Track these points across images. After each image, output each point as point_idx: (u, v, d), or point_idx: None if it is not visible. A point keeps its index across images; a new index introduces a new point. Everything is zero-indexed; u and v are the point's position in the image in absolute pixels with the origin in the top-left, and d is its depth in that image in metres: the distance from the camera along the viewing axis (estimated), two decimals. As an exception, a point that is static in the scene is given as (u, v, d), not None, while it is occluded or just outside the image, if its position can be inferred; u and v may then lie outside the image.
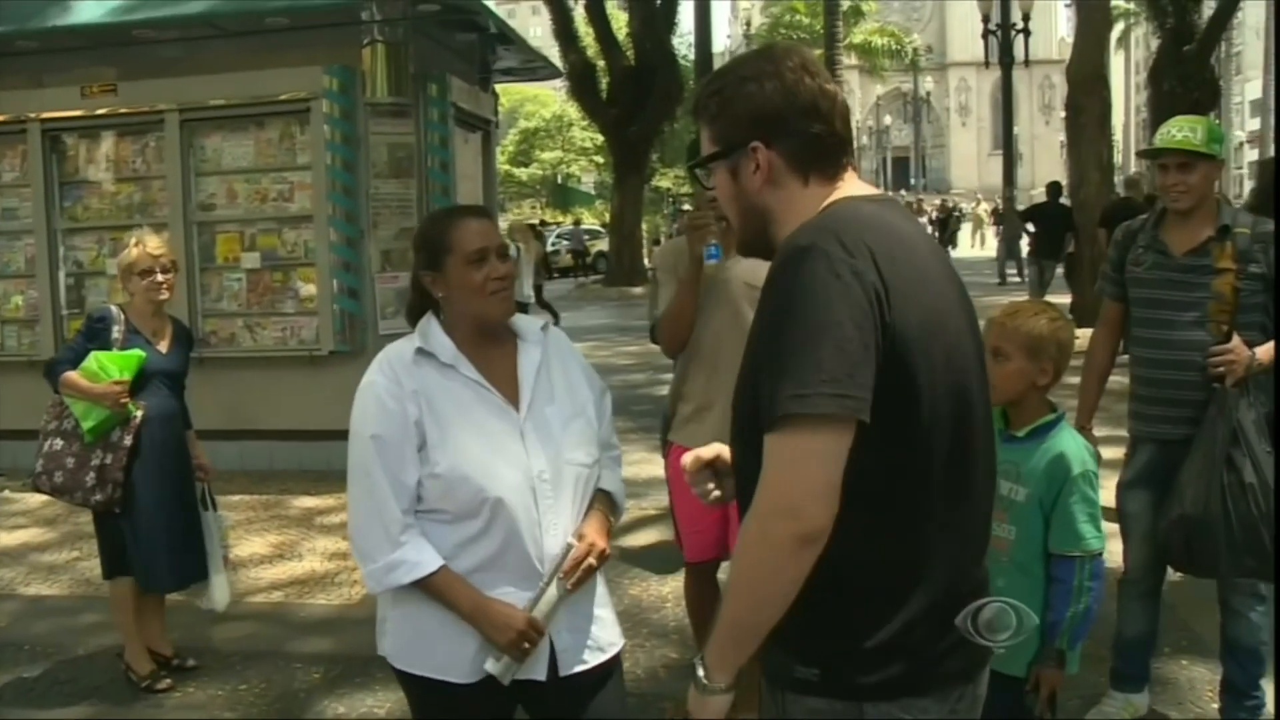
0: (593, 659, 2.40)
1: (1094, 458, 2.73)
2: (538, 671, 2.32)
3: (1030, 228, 15.93)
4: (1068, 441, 2.66)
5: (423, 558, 2.25)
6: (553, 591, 2.28)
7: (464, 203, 8.36)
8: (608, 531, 2.42)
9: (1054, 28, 70.47)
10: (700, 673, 1.62)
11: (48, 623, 5.08)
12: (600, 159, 44.49)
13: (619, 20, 25.91)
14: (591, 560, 2.32)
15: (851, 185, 1.71)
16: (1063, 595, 2.60)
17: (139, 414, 4.17)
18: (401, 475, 2.26)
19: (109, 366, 4.09)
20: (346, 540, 6.08)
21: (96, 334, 4.21)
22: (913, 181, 60.47)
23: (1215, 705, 3.71)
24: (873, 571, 1.59)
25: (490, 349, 2.38)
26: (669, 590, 5.13)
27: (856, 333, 1.49)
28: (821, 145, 1.68)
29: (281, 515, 6.80)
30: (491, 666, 2.27)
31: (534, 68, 11.23)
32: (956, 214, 25.59)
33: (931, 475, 1.60)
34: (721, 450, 1.90)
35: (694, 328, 3.55)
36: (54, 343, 8.06)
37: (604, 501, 2.46)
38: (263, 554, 6.01)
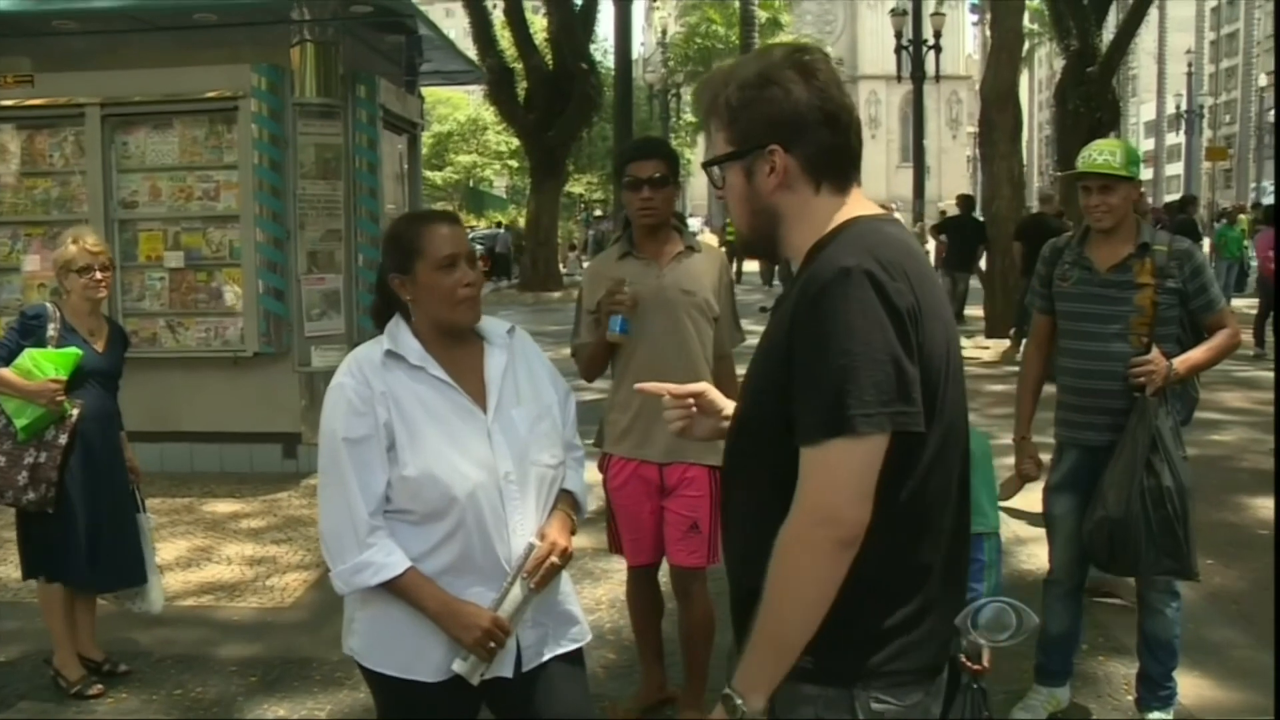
0: (556, 654, 2.46)
1: (988, 443, 2.90)
2: (504, 669, 2.37)
3: (943, 239, 16.36)
4: None
5: (390, 560, 2.28)
6: (517, 591, 2.33)
7: (389, 206, 8.34)
8: (571, 530, 2.47)
9: (961, 45, 72.28)
10: (737, 700, 1.63)
11: (-33, 628, 4.94)
12: (515, 163, 44.30)
13: (537, 25, 25.84)
14: (555, 559, 2.36)
15: (862, 202, 1.76)
16: (978, 572, 2.73)
17: (75, 413, 4.10)
18: (370, 477, 2.29)
19: (44, 364, 4.02)
20: (278, 544, 6.09)
21: (31, 330, 4.13)
22: (823, 192, 61.41)
23: (1131, 697, 3.91)
24: (879, 568, 1.64)
25: (457, 351, 2.42)
26: (603, 593, 5.20)
27: (905, 351, 1.58)
28: (837, 156, 1.73)
29: (205, 518, 6.69)
30: (459, 666, 2.31)
31: (460, 71, 11.21)
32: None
33: (937, 482, 1.68)
34: (708, 389, 2.03)
35: (630, 342, 3.62)
36: (-38, 340, 7.81)
37: (567, 501, 2.51)
38: (188, 557, 5.91)
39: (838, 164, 1.73)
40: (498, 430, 2.37)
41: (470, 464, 2.31)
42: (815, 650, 1.63)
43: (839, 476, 1.57)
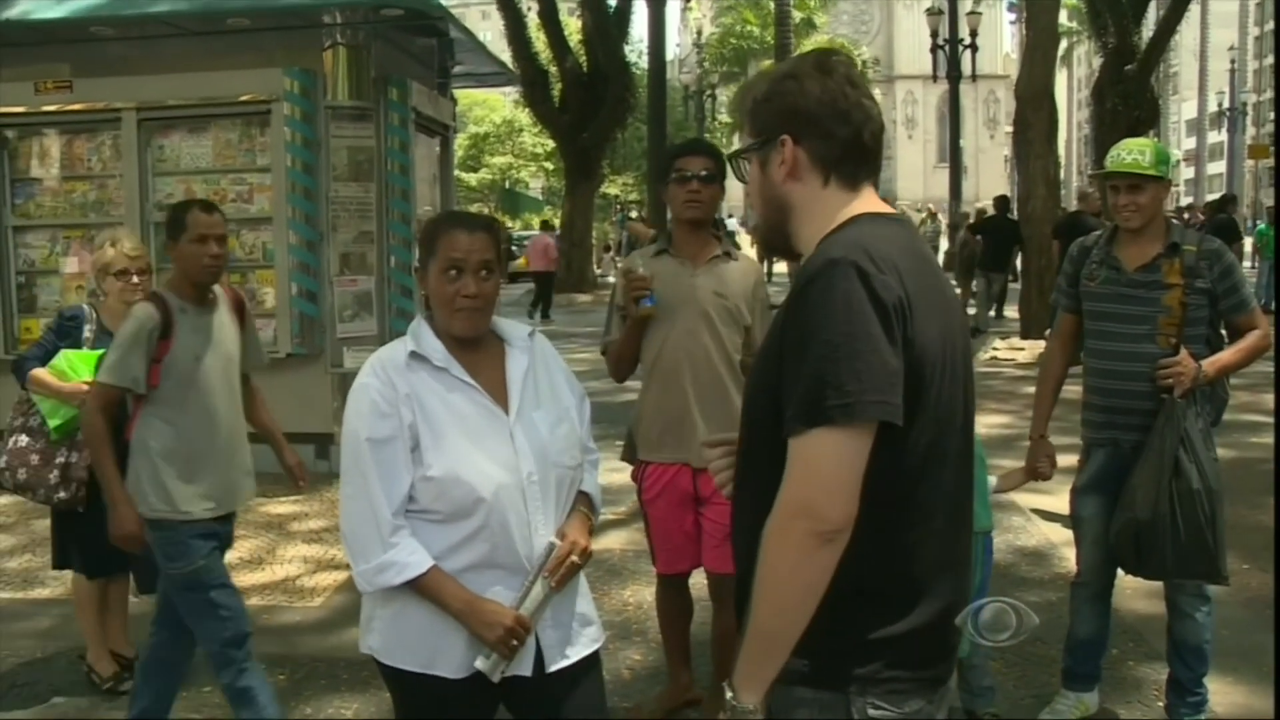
0: (575, 654, 2.47)
1: (980, 446, 2.88)
2: (524, 667, 2.38)
3: (979, 239, 16.24)
4: None
5: (414, 559, 2.30)
6: (538, 589, 2.35)
7: (423, 208, 8.39)
8: (589, 531, 2.49)
9: (999, 43, 71.70)
10: (729, 695, 1.66)
11: (4, 626, 5.01)
12: (550, 165, 44.43)
13: (571, 27, 25.92)
14: (575, 558, 2.39)
15: (871, 201, 1.79)
16: None
17: (106, 414, 4.15)
18: (394, 477, 2.31)
19: (79, 366, 4.08)
20: (309, 544, 6.14)
21: (67, 332, 4.20)
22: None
23: (1161, 703, 3.86)
24: (873, 571, 1.64)
25: (478, 353, 2.44)
26: (629, 594, 5.21)
27: (890, 344, 1.58)
28: (845, 151, 1.76)
29: (240, 518, 6.69)
30: (481, 664, 2.32)
31: (492, 74, 11.26)
32: (927, 228, 25.18)
33: (931, 482, 1.68)
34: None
35: (654, 342, 3.61)
36: (3, 341, 7.95)
37: (584, 503, 2.52)
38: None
39: (846, 159, 1.76)
40: (520, 432, 2.39)
41: (494, 465, 2.33)
42: (810, 653, 1.64)
43: (817, 468, 1.58)
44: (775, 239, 1.84)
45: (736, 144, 1.95)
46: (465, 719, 2.43)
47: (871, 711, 1.65)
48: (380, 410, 2.32)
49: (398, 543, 2.30)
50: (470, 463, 2.31)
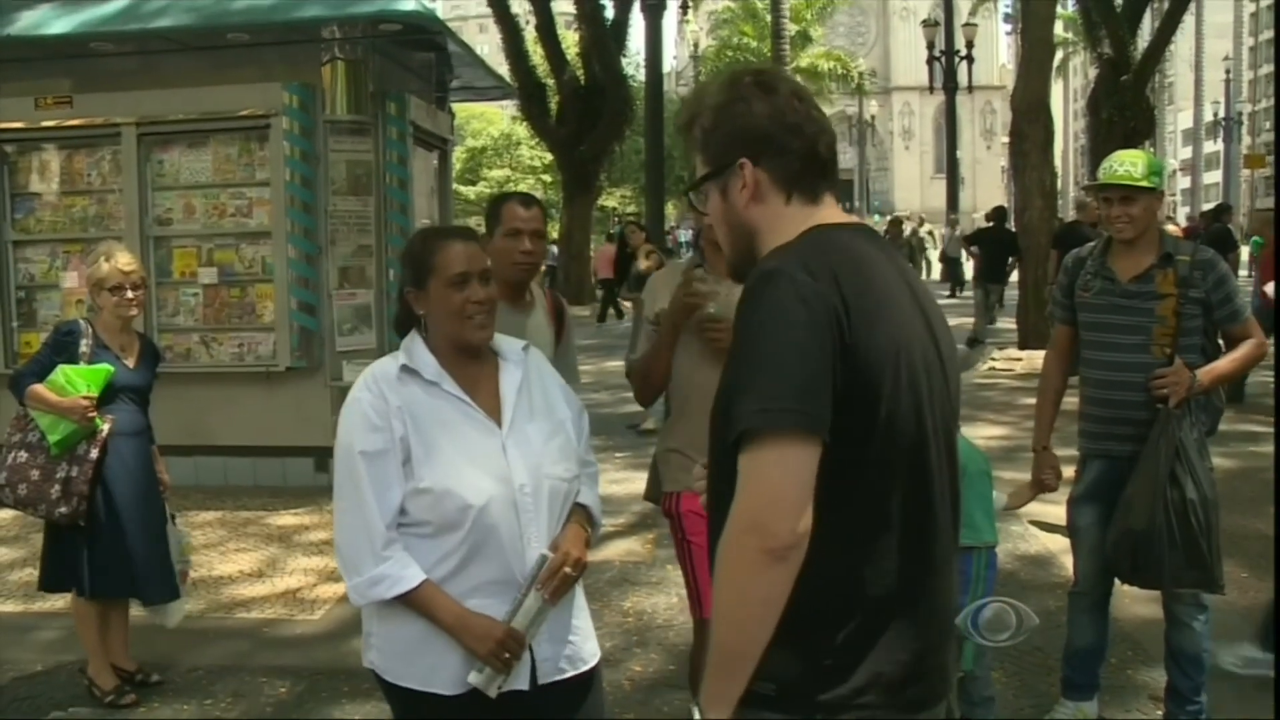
0: (571, 669, 2.47)
1: (987, 461, 2.86)
2: (520, 682, 2.39)
3: (975, 250, 16.27)
4: (962, 444, 2.82)
5: (406, 573, 2.31)
6: (530, 602, 2.35)
7: (421, 221, 8.42)
8: (585, 543, 2.49)
9: (995, 55, 71.85)
10: (696, 715, 1.67)
11: (5, 639, 5.03)
12: (548, 178, 44.46)
13: (569, 40, 25.98)
14: (568, 570, 2.38)
15: (830, 212, 1.77)
16: (962, 586, 2.73)
17: (106, 427, 4.18)
18: (387, 490, 2.32)
19: (76, 381, 4.09)
20: (310, 556, 6.15)
21: (64, 347, 4.21)
22: (856, 204, 61.34)
23: (1159, 712, 3.88)
24: (830, 591, 1.62)
25: (472, 367, 2.45)
26: (630, 605, 5.22)
27: (818, 352, 1.56)
28: (803, 165, 1.75)
29: (242, 531, 6.78)
30: (474, 679, 2.33)
31: (490, 87, 11.30)
32: (912, 237, 24.97)
33: (894, 495, 1.65)
34: None
35: (685, 368, 3.23)
36: (3, 356, 7.97)
37: (581, 514, 2.52)
38: (223, 570, 5.99)
39: (805, 173, 1.75)
40: (513, 444, 2.40)
41: (486, 477, 2.34)
42: (774, 676, 1.60)
43: (762, 483, 1.55)
44: (744, 264, 1.78)
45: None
46: None
47: None
48: (372, 423, 2.34)
49: (390, 556, 2.31)
50: (461, 475, 2.32)
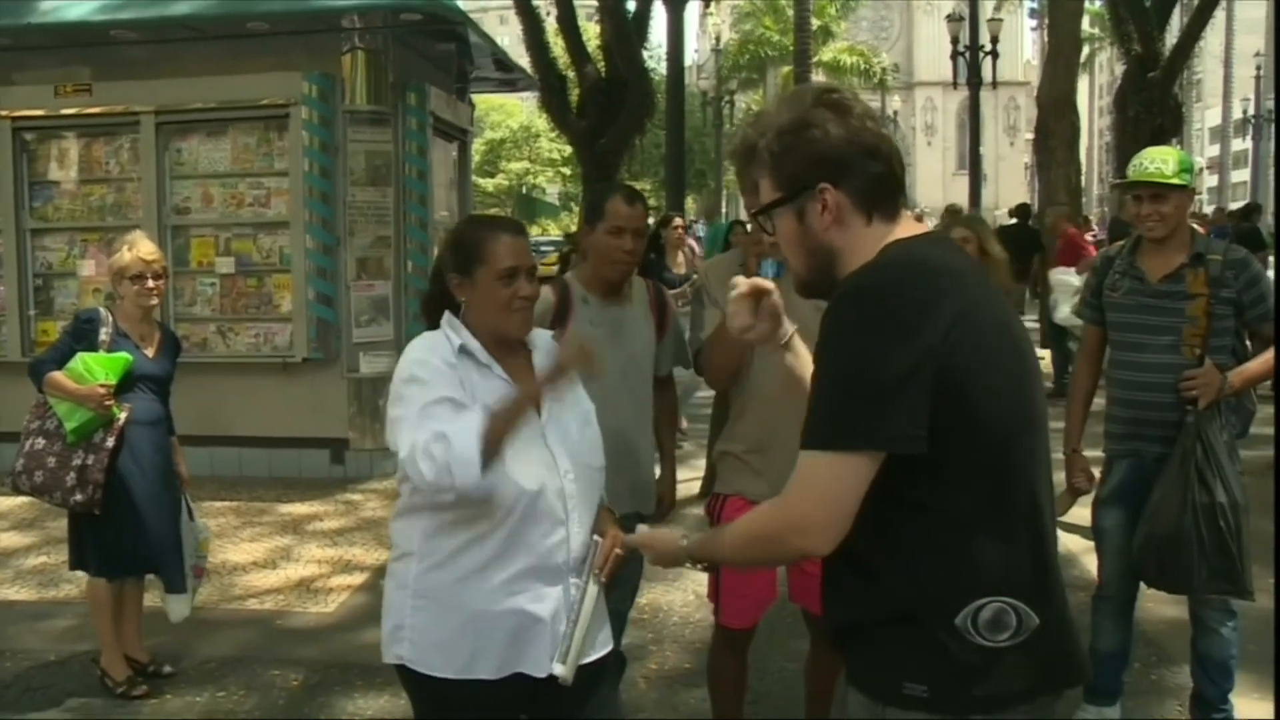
0: (592, 655, 2.46)
1: None
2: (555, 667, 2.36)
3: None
4: None
5: (466, 424, 2.20)
6: (593, 588, 2.38)
7: (440, 213, 8.39)
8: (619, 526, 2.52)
9: (1020, 50, 71.41)
10: (684, 543, 2.01)
11: (19, 627, 5.02)
12: (567, 170, 44.46)
13: (590, 32, 25.90)
14: (619, 551, 2.41)
15: (908, 226, 1.81)
16: None
17: (123, 416, 4.15)
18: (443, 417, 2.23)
19: (95, 369, 4.07)
20: (324, 547, 6.14)
21: (84, 335, 4.19)
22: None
23: (1185, 718, 3.80)
24: (978, 586, 1.67)
25: (508, 356, 2.45)
26: (644, 601, 5.17)
27: (906, 368, 1.60)
28: (883, 185, 1.77)
29: (255, 521, 6.77)
30: (559, 670, 2.32)
31: (510, 79, 11.26)
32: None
33: (1008, 486, 1.70)
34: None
35: (757, 362, 3.07)
36: (20, 344, 7.99)
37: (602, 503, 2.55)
38: (236, 561, 5.98)
39: (885, 193, 1.78)
40: (552, 432, 2.41)
41: (537, 464, 2.35)
42: (926, 677, 1.67)
43: (817, 490, 1.65)
44: (823, 285, 1.81)
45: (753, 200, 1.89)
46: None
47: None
48: (444, 374, 2.31)
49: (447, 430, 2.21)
50: (516, 458, 2.30)
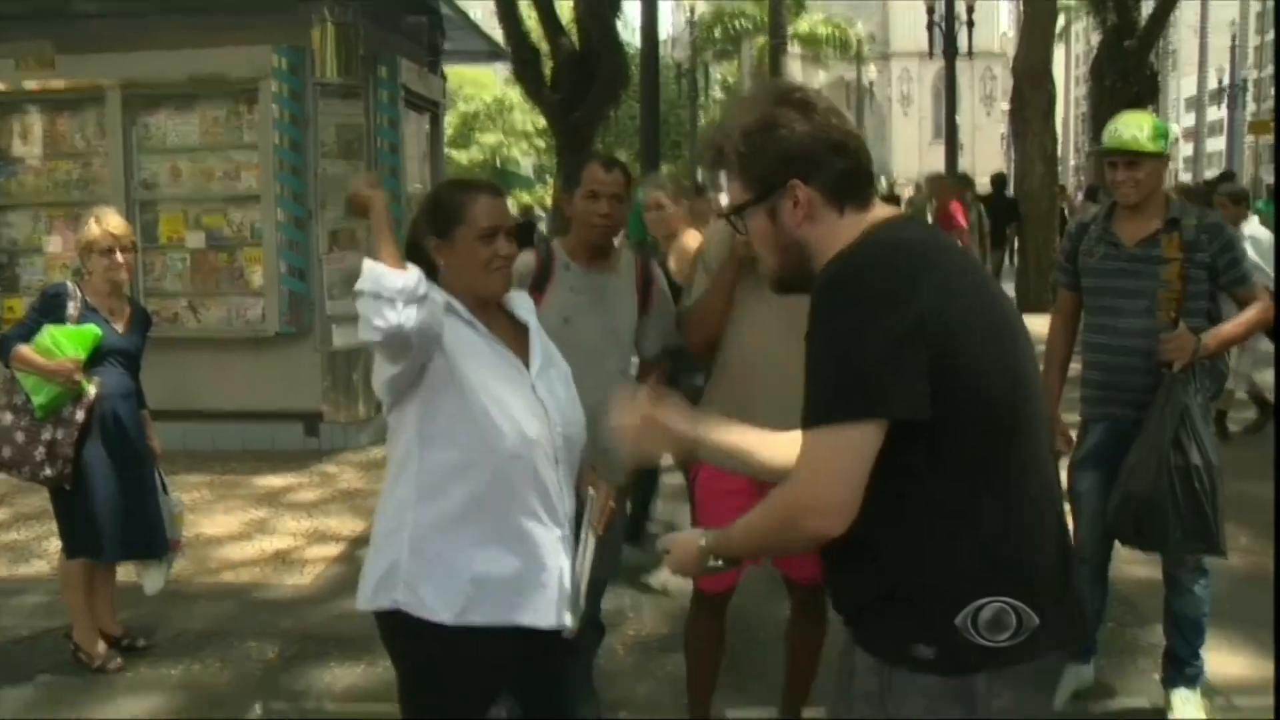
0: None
1: None
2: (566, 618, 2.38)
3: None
4: None
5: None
6: (591, 539, 2.40)
7: (413, 185, 8.32)
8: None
9: (996, 21, 71.22)
10: (703, 542, 1.89)
11: (-9, 604, 4.98)
12: (541, 143, 44.20)
13: (563, 4, 25.70)
14: (612, 504, 2.46)
15: (878, 211, 1.82)
16: None
17: (92, 390, 4.11)
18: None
19: (63, 343, 4.02)
20: (299, 519, 6.11)
21: (51, 309, 4.13)
22: (854, 171, 61.20)
23: (1157, 675, 3.84)
24: (985, 553, 1.68)
25: (488, 316, 2.45)
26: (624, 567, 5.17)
27: (900, 333, 1.60)
28: (852, 179, 1.79)
29: (229, 494, 6.73)
30: (568, 625, 2.35)
31: (482, 51, 11.17)
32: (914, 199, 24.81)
33: (1007, 453, 1.70)
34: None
35: (736, 327, 3.15)
36: (-13, 319, 7.87)
37: None
38: (211, 534, 5.94)
39: (855, 186, 1.79)
40: (541, 388, 2.42)
41: (531, 417, 2.36)
42: (932, 639, 1.68)
43: (824, 467, 1.64)
44: (798, 279, 1.82)
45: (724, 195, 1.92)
46: (486, 676, 2.37)
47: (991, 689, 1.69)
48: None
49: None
50: (513, 407, 2.32)
